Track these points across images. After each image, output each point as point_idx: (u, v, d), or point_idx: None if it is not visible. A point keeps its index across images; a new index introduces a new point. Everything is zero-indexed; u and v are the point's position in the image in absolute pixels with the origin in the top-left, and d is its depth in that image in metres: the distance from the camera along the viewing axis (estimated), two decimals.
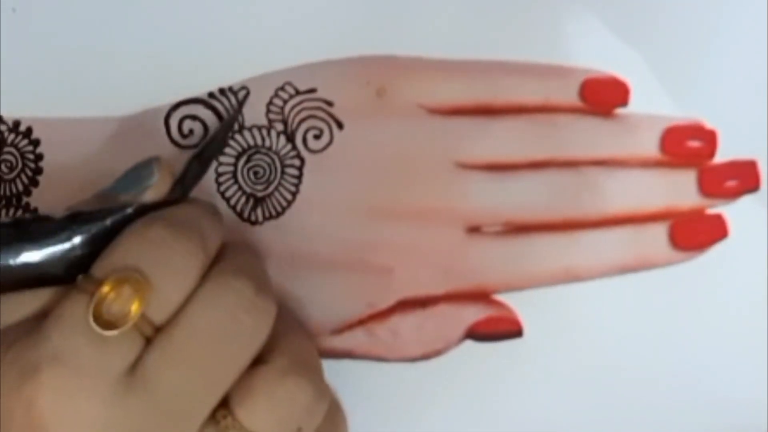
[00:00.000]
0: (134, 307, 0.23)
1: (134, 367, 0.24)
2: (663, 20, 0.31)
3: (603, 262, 0.31)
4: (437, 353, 0.31)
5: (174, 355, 0.24)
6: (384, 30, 0.31)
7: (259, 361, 0.25)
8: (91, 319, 0.23)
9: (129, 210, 0.26)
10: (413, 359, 0.31)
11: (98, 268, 0.24)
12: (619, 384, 0.31)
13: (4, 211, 0.31)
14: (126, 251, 0.24)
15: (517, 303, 0.31)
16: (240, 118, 0.31)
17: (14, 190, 0.32)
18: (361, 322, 0.31)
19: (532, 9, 0.31)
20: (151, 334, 0.24)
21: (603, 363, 0.31)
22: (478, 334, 0.31)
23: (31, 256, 0.25)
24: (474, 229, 0.31)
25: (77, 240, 0.25)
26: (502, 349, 0.31)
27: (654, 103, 0.31)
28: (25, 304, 0.25)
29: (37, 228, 0.25)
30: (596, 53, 0.31)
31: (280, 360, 0.25)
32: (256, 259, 0.28)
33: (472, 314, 0.31)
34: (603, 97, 0.31)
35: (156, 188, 0.27)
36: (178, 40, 0.32)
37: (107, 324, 0.23)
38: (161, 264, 0.24)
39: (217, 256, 0.26)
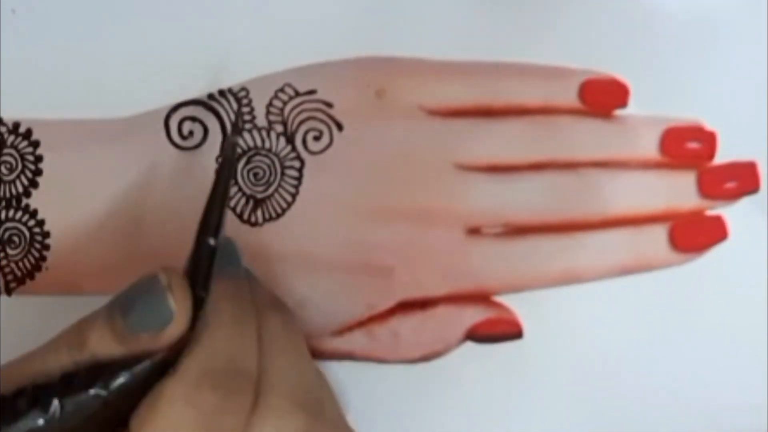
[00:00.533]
0: None
1: None
2: (662, 22, 0.31)
3: (603, 264, 0.31)
4: (437, 354, 0.31)
5: None
6: (384, 32, 0.31)
7: None
8: None
9: (158, 357, 0.24)
10: (413, 360, 0.31)
11: None
12: (619, 385, 0.31)
13: (3, 212, 0.31)
14: (179, 423, 0.23)
15: (517, 304, 0.31)
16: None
17: (14, 192, 0.32)
18: (361, 324, 0.31)
19: (531, 11, 0.31)
20: None
21: (602, 364, 0.31)
22: (478, 335, 0.31)
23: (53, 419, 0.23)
24: (474, 231, 0.31)
25: (104, 396, 0.23)
26: (502, 350, 0.31)
27: (653, 105, 0.31)
28: None
29: (60, 387, 0.23)
30: (596, 55, 0.31)
31: None
32: (298, 339, 0.26)
33: (472, 315, 0.31)
34: (603, 98, 0.31)
35: (177, 323, 0.24)
36: (178, 41, 0.32)
37: None
38: (217, 429, 0.23)
39: (258, 357, 0.25)
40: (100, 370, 0.24)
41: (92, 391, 0.23)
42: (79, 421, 0.23)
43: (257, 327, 0.25)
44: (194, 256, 0.26)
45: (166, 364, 0.24)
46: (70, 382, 0.24)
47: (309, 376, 0.26)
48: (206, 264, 0.26)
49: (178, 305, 0.24)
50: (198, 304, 0.25)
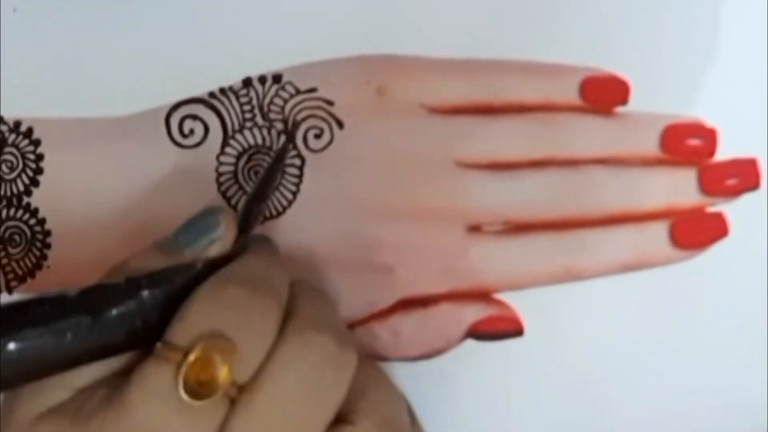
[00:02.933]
0: (223, 374, 0.23)
1: (221, 431, 0.23)
2: (663, 19, 0.31)
3: (603, 261, 0.31)
4: (438, 352, 0.31)
5: (260, 417, 0.23)
6: (384, 29, 0.31)
7: (341, 419, 0.25)
8: (182, 389, 0.22)
9: (197, 268, 0.25)
10: (414, 358, 0.31)
11: (177, 335, 0.23)
12: (619, 382, 0.31)
13: (5, 211, 0.32)
14: (204, 315, 0.24)
15: (518, 302, 0.31)
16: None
17: (15, 190, 0.32)
18: (362, 322, 0.31)
19: (531, 8, 0.31)
20: (236, 395, 0.23)
21: (603, 361, 0.31)
22: (479, 333, 0.31)
23: (94, 327, 0.23)
24: (474, 228, 0.31)
25: (146, 305, 0.24)
26: (503, 348, 0.31)
27: (654, 102, 0.31)
28: (94, 369, 0.24)
29: (100, 296, 0.24)
30: (596, 52, 0.31)
31: (365, 423, 0.25)
32: (329, 304, 0.27)
33: (473, 313, 0.31)
34: (603, 95, 0.31)
35: (222, 241, 0.26)
36: (178, 39, 0.32)
37: (195, 393, 0.22)
38: (241, 325, 0.23)
39: (289, 302, 0.25)
40: (138, 281, 0.24)
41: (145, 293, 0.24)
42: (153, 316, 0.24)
43: (288, 284, 0.26)
44: (243, 217, 0.27)
45: (205, 273, 0.25)
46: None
47: (342, 325, 0.26)
48: (252, 222, 0.27)
49: (226, 226, 0.26)
50: (240, 241, 0.26)
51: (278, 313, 0.24)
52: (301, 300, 0.26)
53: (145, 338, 0.24)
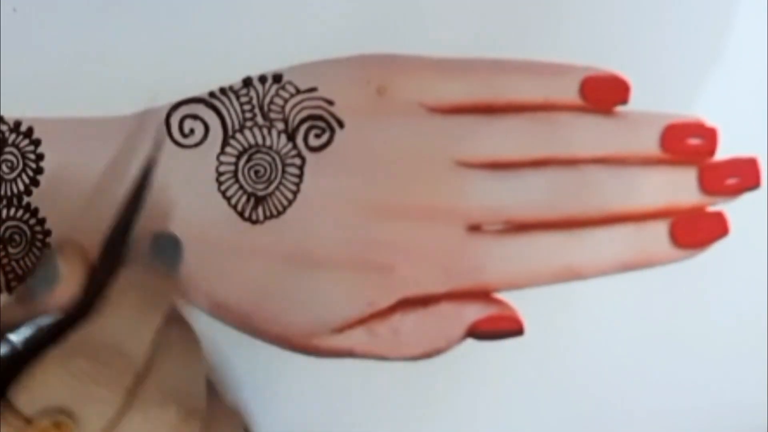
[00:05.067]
0: None
1: None
2: (663, 19, 0.31)
3: (604, 260, 0.31)
4: (438, 352, 0.31)
5: None
6: (384, 29, 0.31)
7: None
8: None
9: (44, 329, 0.26)
10: (414, 358, 0.31)
11: (21, 402, 0.24)
12: (620, 382, 0.31)
13: (5, 211, 0.32)
14: (49, 388, 0.24)
15: (518, 301, 0.31)
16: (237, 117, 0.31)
17: (15, 190, 0.32)
18: (362, 321, 0.31)
19: (532, 8, 0.31)
20: None
21: (603, 361, 0.31)
22: (479, 332, 0.31)
23: None
24: (475, 228, 0.31)
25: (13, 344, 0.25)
26: (503, 347, 0.31)
27: (654, 101, 0.31)
28: None
29: None
30: (596, 51, 0.31)
31: None
32: (192, 356, 0.27)
33: (473, 313, 0.31)
34: (603, 95, 0.31)
35: (67, 282, 0.26)
36: (178, 40, 0.32)
37: None
38: (85, 400, 0.24)
39: (148, 359, 0.26)
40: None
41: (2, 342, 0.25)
42: None
43: (157, 327, 0.26)
44: (108, 239, 0.28)
45: (65, 328, 0.25)
46: None
47: (197, 387, 0.27)
48: (116, 250, 0.28)
49: (67, 265, 0.26)
50: (99, 280, 0.26)
51: (124, 384, 0.25)
52: (158, 358, 0.26)
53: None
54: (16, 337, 0.25)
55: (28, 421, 0.24)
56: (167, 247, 0.29)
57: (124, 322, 0.26)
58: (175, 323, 0.27)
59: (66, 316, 0.26)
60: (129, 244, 0.28)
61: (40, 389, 0.24)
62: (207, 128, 0.31)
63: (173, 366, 0.26)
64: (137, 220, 0.28)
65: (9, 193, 0.32)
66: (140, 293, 0.27)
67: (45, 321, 0.26)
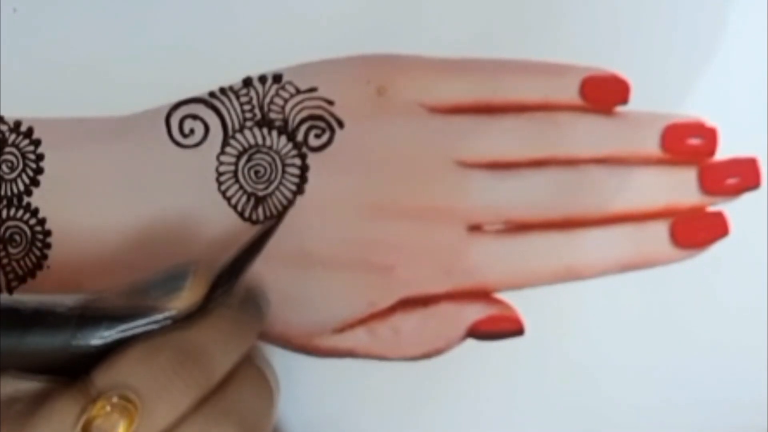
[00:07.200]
0: (120, 429, 0.24)
1: None
2: (663, 18, 0.31)
3: (604, 260, 0.31)
4: (438, 352, 0.31)
5: None
6: (384, 29, 0.31)
7: None
8: (79, 430, 0.24)
9: (153, 324, 0.26)
10: (414, 358, 0.31)
11: (99, 378, 0.24)
12: (620, 382, 0.31)
13: (5, 211, 0.32)
14: (129, 371, 0.25)
15: (518, 301, 0.31)
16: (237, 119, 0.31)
17: (15, 190, 0.32)
18: (363, 321, 0.31)
19: (532, 8, 0.31)
20: None
21: (603, 361, 0.31)
22: (480, 332, 0.31)
23: (39, 344, 0.25)
24: (475, 228, 0.31)
25: (91, 340, 0.25)
26: (504, 347, 0.31)
27: (654, 101, 0.31)
28: (20, 384, 0.25)
29: (53, 319, 0.25)
30: (596, 52, 0.31)
31: None
32: (263, 398, 0.27)
33: (474, 313, 0.31)
34: (603, 95, 0.31)
35: (187, 296, 0.26)
36: (178, 39, 0.32)
37: None
38: (158, 392, 0.24)
39: (223, 382, 0.26)
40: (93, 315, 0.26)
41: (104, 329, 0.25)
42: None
43: (244, 353, 0.27)
44: (231, 265, 0.28)
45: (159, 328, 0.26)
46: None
47: (261, 426, 0.27)
48: (230, 282, 0.28)
49: (192, 288, 0.26)
50: (211, 299, 0.27)
51: (198, 392, 0.25)
52: (234, 384, 0.26)
53: (74, 369, 0.25)
54: (121, 328, 0.25)
55: (95, 398, 0.24)
56: (258, 300, 0.29)
57: (219, 336, 0.26)
58: (260, 361, 0.28)
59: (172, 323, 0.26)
60: (240, 279, 0.28)
61: (122, 371, 0.25)
62: (207, 128, 0.32)
63: (244, 396, 0.26)
64: (254, 261, 0.29)
65: (9, 193, 0.32)
66: (236, 319, 0.27)
67: (156, 318, 0.26)
